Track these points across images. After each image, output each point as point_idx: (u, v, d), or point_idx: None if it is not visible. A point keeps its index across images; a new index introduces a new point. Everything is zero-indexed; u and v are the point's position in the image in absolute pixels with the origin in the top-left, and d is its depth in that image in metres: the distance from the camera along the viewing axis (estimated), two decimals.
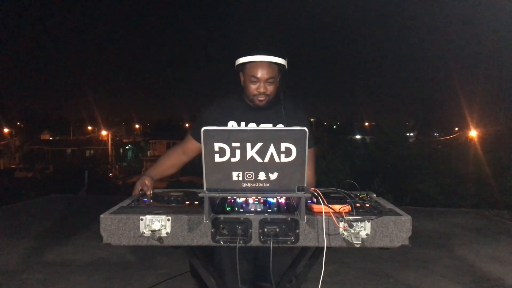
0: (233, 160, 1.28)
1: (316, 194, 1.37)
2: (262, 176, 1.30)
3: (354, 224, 1.33)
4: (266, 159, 1.28)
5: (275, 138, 1.27)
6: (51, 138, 48.36)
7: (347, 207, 1.38)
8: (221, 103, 1.98)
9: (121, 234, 1.37)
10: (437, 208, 7.14)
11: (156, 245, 1.37)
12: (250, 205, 1.49)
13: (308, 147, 1.27)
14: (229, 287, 1.77)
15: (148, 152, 44.78)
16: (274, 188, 1.30)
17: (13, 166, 34.18)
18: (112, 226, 1.37)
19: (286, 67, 1.88)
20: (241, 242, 1.34)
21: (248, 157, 1.28)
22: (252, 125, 1.90)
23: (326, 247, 1.32)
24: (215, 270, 1.78)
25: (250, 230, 1.36)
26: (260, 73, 1.81)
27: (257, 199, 1.55)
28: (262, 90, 1.82)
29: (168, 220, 1.36)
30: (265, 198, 1.55)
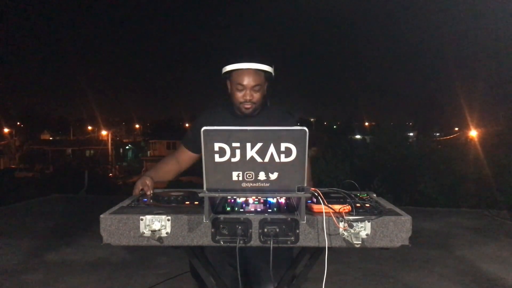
0: (233, 160, 1.28)
1: (316, 194, 1.37)
2: (262, 176, 1.30)
3: (354, 224, 1.33)
4: (266, 159, 1.28)
5: (275, 138, 1.27)
6: (51, 138, 48.34)
7: (347, 207, 1.38)
8: (211, 113, 2.00)
9: (121, 234, 1.37)
10: (437, 208, 7.14)
11: (156, 245, 1.37)
12: (250, 205, 1.49)
13: None
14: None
15: (148, 152, 44.77)
16: (274, 188, 1.30)
17: (13, 166, 34.15)
18: (112, 226, 1.37)
19: (273, 74, 1.87)
20: (241, 242, 1.34)
21: (248, 157, 1.28)
22: None
23: (326, 247, 1.32)
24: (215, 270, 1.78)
25: (250, 230, 1.36)
26: (246, 81, 1.80)
27: (257, 199, 1.55)
28: (248, 97, 1.82)
29: (168, 220, 1.36)
30: (265, 198, 1.55)
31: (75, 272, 3.54)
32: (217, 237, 1.36)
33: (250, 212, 1.41)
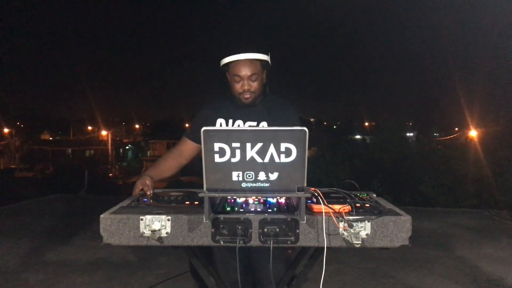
0: (233, 160, 1.28)
1: (316, 194, 1.37)
2: (262, 176, 1.30)
3: (354, 224, 1.33)
4: (266, 159, 1.28)
5: (275, 138, 1.27)
6: (51, 138, 48.31)
7: (347, 207, 1.38)
8: (213, 105, 2.04)
9: (121, 234, 1.37)
10: (437, 208, 7.14)
11: (156, 245, 1.37)
12: (250, 205, 1.49)
13: None
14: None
15: (148, 152, 44.75)
16: (274, 188, 1.30)
17: (13, 166, 34.16)
18: (112, 226, 1.37)
19: (270, 62, 1.91)
20: (241, 242, 1.35)
21: (248, 157, 1.28)
22: (239, 123, 1.93)
23: (326, 247, 1.32)
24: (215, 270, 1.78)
25: (250, 230, 1.36)
26: (243, 71, 1.85)
27: (257, 199, 1.55)
28: (246, 87, 1.87)
29: (168, 220, 1.36)
30: (265, 198, 1.55)
31: (75, 272, 3.54)
32: (217, 237, 1.36)
33: (250, 212, 1.41)
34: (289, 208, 1.46)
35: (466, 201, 7.69)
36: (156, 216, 1.36)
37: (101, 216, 1.38)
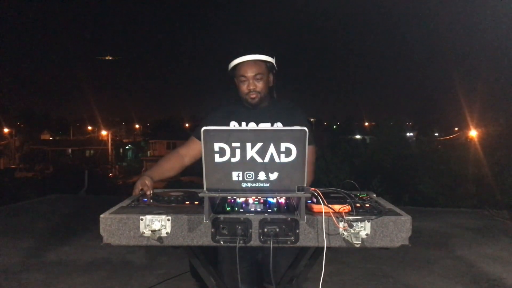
0: (233, 160, 1.28)
1: (316, 194, 1.37)
2: (262, 176, 1.30)
3: (354, 224, 1.33)
4: (266, 159, 1.28)
5: (275, 138, 1.27)
6: (51, 138, 48.32)
7: (347, 207, 1.38)
8: (225, 108, 2.06)
9: (121, 234, 1.37)
10: (437, 208, 7.14)
11: (156, 245, 1.37)
12: (250, 205, 1.49)
13: (308, 144, 1.28)
14: (229, 287, 1.78)
15: (148, 152, 44.78)
16: (274, 188, 1.30)
17: (13, 166, 34.17)
18: (112, 226, 1.37)
19: (274, 64, 1.96)
20: (241, 242, 1.34)
21: (248, 157, 1.28)
22: (252, 125, 1.95)
23: (326, 247, 1.32)
24: (216, 270, 1.78)
25: (250, 230, 1.35)
26: (247, 72, 1.90)
27: (257, 199, 1.55)
28: (251, 87, 1.91)
29: (168, 220, 1.36)
30: (265, 198, 1.55)
31: (75, 272, 3.54)
32: (217, 237, 1.36)
33: (250, 212, 1.41)
34: (289, 208, 1.45)
35: (466, 201, 7.69)
36: (156, 216, 1.36)
37: (101, 216, 1.38)
